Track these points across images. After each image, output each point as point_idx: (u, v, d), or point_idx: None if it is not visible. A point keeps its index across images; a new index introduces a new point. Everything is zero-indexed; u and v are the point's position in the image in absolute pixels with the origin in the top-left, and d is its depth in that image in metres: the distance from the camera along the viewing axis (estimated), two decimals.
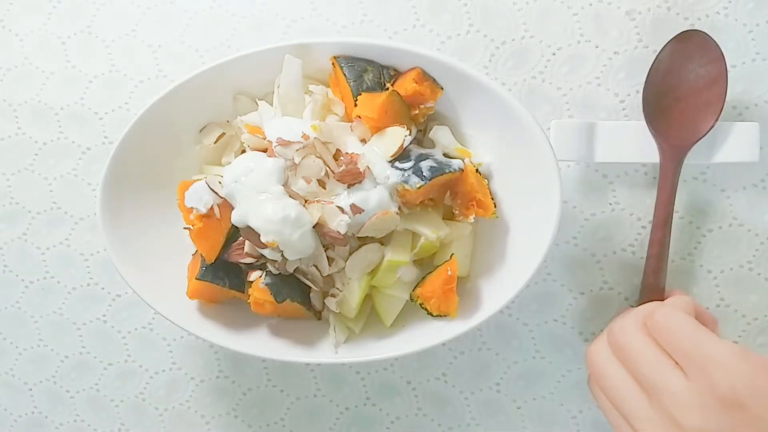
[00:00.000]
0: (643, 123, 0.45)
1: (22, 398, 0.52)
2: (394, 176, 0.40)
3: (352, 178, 0.39)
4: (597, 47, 0.48)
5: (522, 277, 0.40)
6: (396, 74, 0.42)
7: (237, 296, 0.43)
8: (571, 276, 0.48)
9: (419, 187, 0.39)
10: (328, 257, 0.41)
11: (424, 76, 0.41)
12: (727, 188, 0.47)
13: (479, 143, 0.43)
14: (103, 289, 0.51)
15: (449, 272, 0.40)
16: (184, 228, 0.41)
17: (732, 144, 0.44)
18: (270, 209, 0.38)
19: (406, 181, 0.39)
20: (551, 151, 0.39)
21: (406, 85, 0.41)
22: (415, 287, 0.42)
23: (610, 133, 0.45)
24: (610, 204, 0.48)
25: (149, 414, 0.52)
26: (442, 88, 0.41)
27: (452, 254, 0.41)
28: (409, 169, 0.40)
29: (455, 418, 0.50)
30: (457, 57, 0.48)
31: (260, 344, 0.43)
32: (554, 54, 0.48)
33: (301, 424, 0.51)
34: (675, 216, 0.47)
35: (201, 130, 0.44)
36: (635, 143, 0.45)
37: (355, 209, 0.39)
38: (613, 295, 0.48)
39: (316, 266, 0.41)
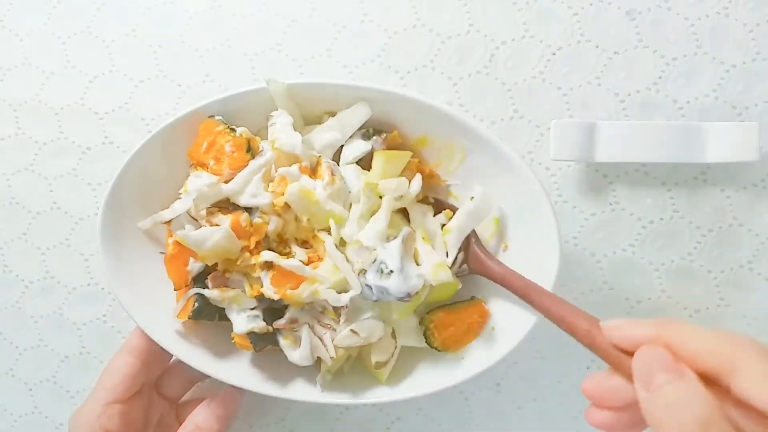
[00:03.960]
0: (644, 123, 0.45)
1: (22, 398, 0.52)
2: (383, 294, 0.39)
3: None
4: (597, 47, 0.48)
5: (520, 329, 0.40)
6: (380, 131, 0.42)
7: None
8: (571, 276, 0.48)
9: (411, 299, 0.39)
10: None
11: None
12: (727, 188, 0.47)
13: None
14: (103, 289, 0.51)
15: (479, 317, 0.41)
16: (161, 252, 0.42)
17: (732, 144, 0.44)
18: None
19: (401, 297, 0.38)
20: (547, 200, 0.39)
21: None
22: (430, 310, 0.42)
23: (610, 133, 0.45)
24: (610, 204, 0.48)
25: None
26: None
27: (482, 301, 0.42)
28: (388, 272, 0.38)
29: (455, 418, 0.50)
30: (457, 57, 0.48)
31: (241, 373, 0.43)
32: (554, 54, 0.48)
33: (301, 424, 0.51)
34: (675, 216, 0.47)
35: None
36: (635, 143, 0.45)
37: (353, 333, 0.40)
38: (613, 295, 0.48)
39: None
